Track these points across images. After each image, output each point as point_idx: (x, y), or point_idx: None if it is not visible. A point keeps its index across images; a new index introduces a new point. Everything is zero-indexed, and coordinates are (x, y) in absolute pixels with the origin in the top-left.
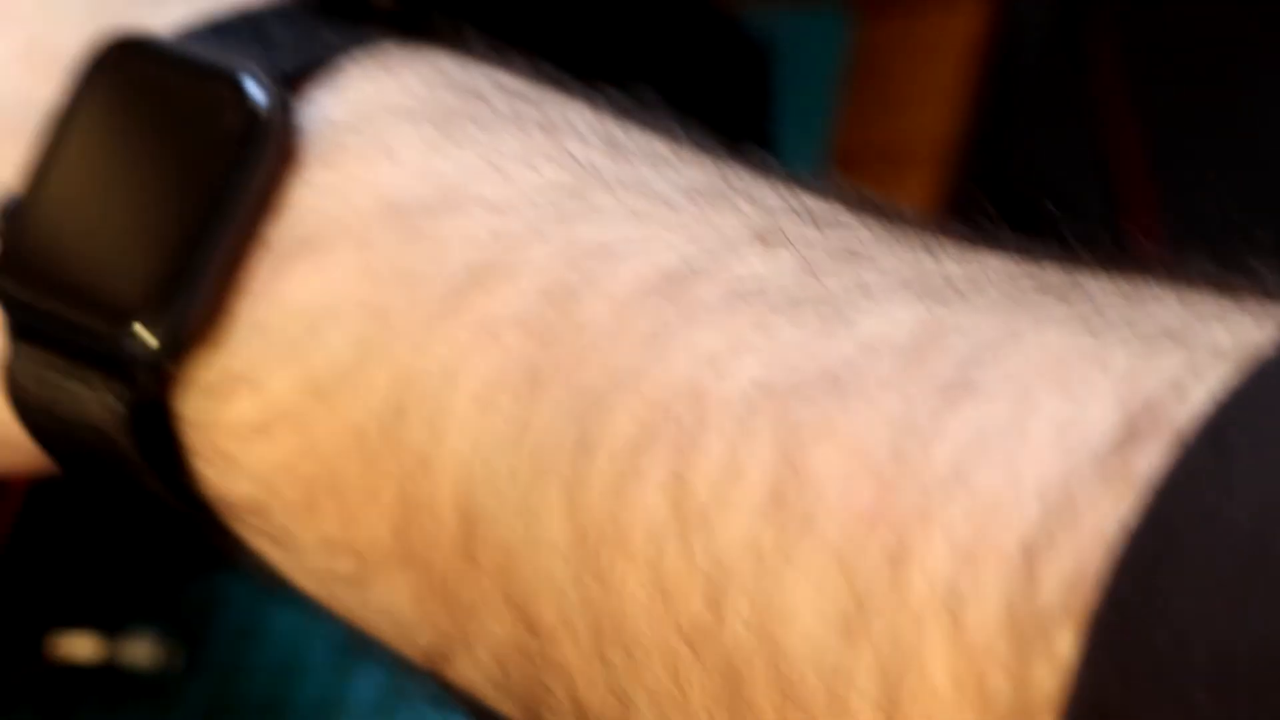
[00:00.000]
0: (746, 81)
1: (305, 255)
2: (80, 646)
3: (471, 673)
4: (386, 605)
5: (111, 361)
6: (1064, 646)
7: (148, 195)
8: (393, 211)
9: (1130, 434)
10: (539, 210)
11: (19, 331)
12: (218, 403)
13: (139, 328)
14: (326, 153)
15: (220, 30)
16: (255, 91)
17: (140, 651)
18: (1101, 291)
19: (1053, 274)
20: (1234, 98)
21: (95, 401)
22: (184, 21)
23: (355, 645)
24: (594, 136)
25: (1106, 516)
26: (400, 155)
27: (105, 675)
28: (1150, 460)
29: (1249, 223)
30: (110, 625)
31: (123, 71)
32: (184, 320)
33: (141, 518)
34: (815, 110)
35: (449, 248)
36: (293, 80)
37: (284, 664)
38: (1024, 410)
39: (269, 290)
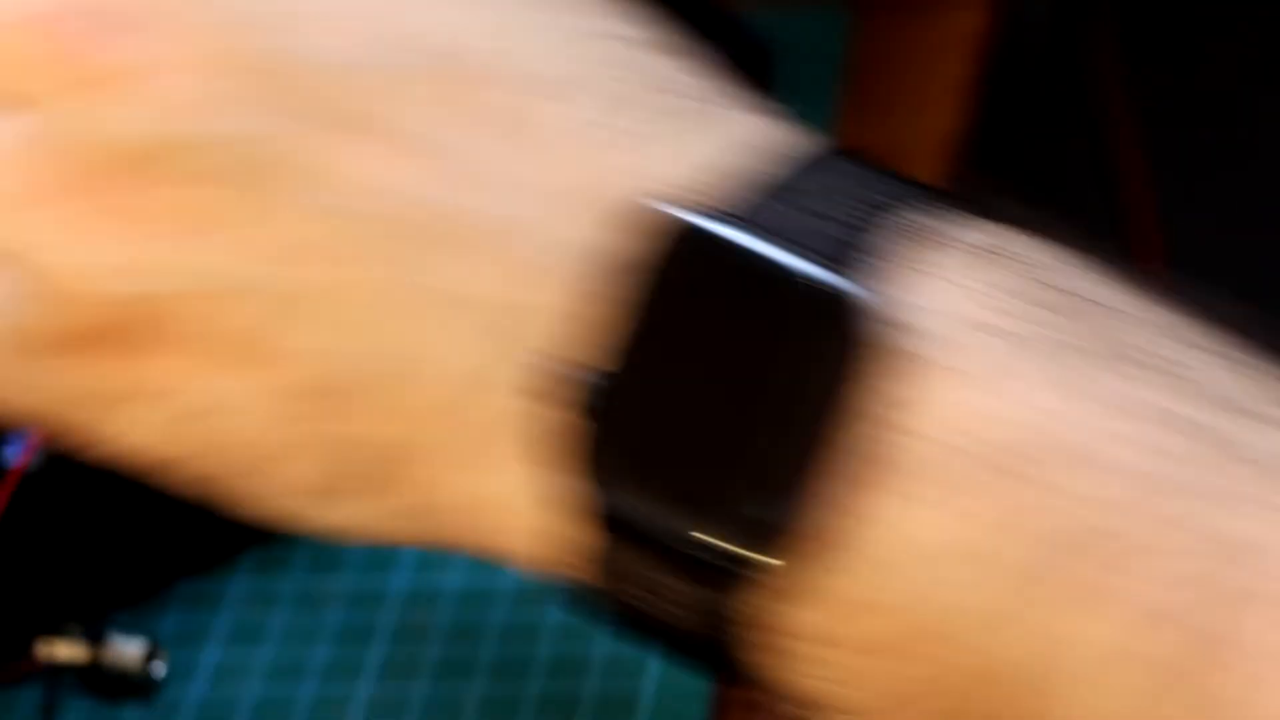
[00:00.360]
0: (747, 81)
1: (888, 480)
2: (67, 650)
3: None
4: None
5: (708, 563)
6: None
7: (739, 398)
8: (988, 448)
9: None
10: (1163, 480)
11: (600, 522)
12: (786, 606)
13: (747, 540)
14: (909, 369)
15: (770, 188)
16: (853, 305)
17: (128, 654)
18: None
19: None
20: (1234, 95)
21: (672, 589)
22: (705, 164)
23: None
24: (1212, 381)
25: None
26: (995, 384)
27: (92, 678)
28: None
29: (1249, 218)
30: (98, 628)
31: (689, 254)
32: (779, 535)
33: (131, 520)
34: (815, 110)
35: (1059, 504)
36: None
37: (277, 667)
38: None
39: (853, 510)
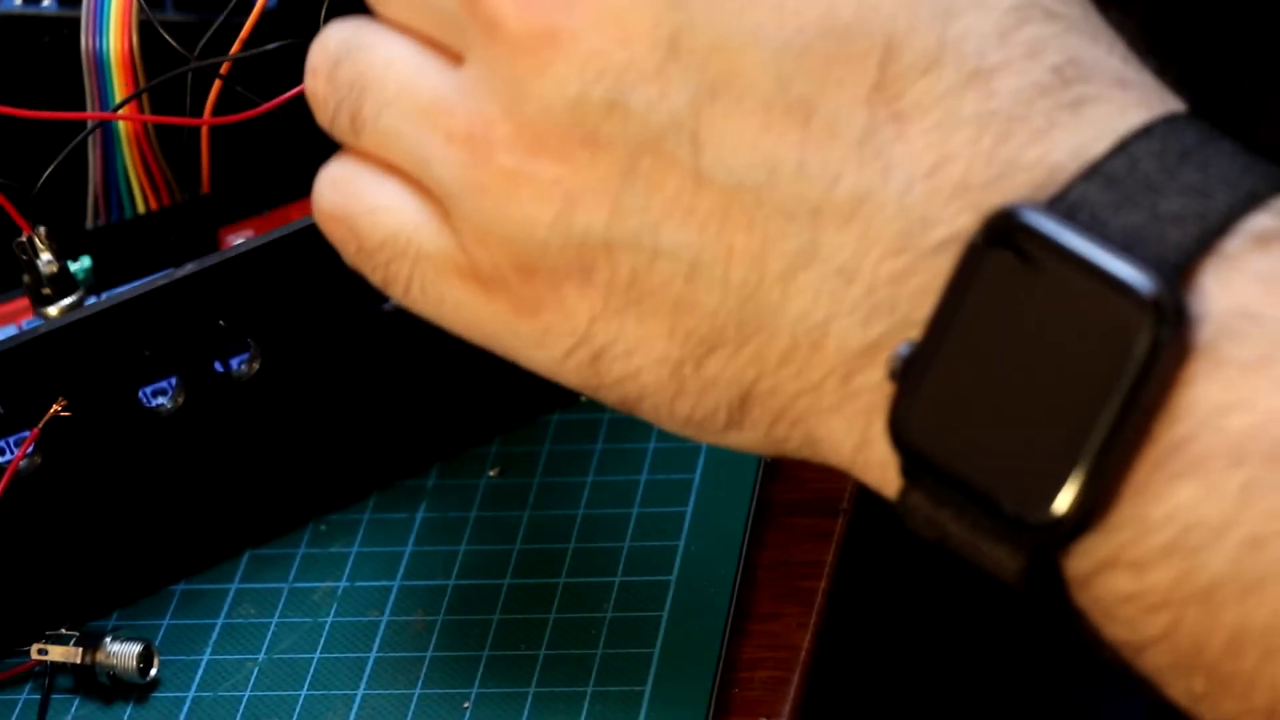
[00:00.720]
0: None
1: (1187, 464)
2: (63, 651)
3: None
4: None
5: (1007, 524)
6: None
7: (1046, 379)
8: (1273, 441)
9: None
10: None
11: (908, 470)
12: (1095, 569)
13: (1049, 510)
14: (1214, 362)
15: (1109, 181)
16: (1157, 308)
17: (123, 656)
18: None
19: None
20: (1234, 94)
21: (987, 549)
22: (1070, 154)
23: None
24: None
25: None
26: None
27: (88, 679)
28: None
29: None
30: (93, 629)
31: (1017, 249)
32: (1088, 506)
33: (128, 521)
34: None
35: None
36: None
37: (273, 668)
38: None
39: (1147, 488)
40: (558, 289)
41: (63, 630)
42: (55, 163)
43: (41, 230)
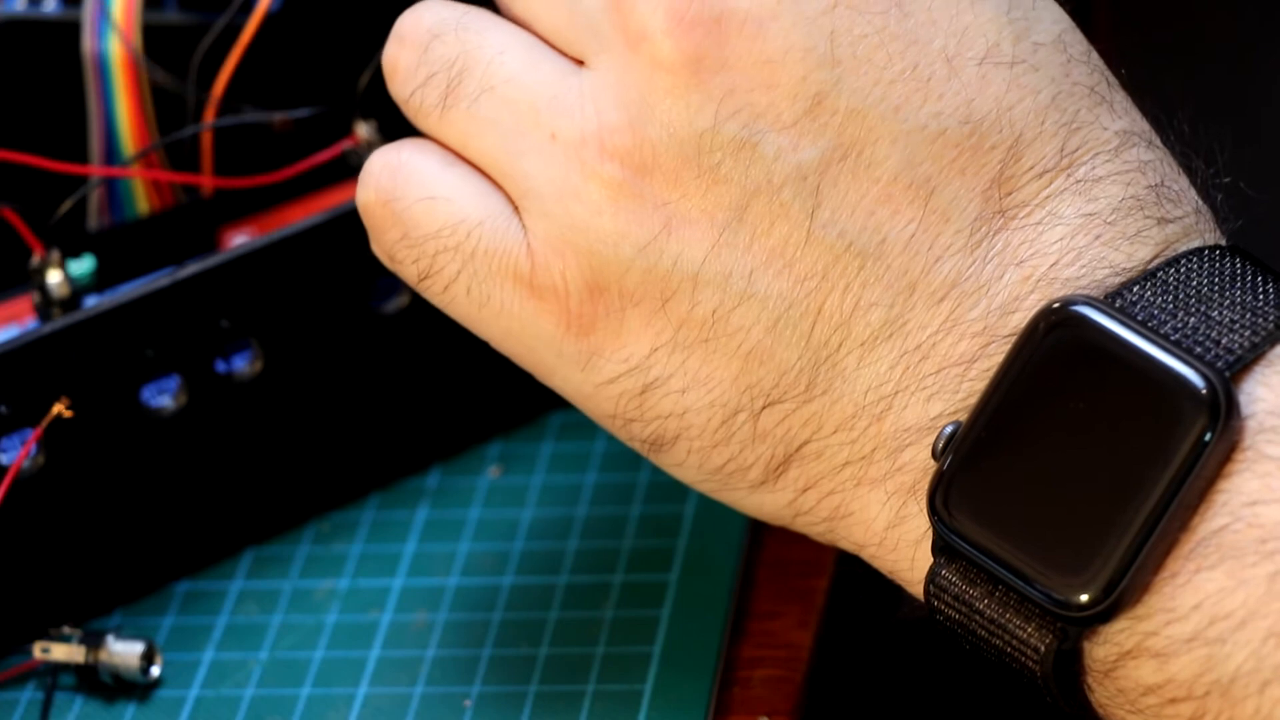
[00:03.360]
0: None
1: (1219, 555)
2: (65, 650)
3: None
4: None
5: (1039, 603)
6: None
7: (1089, 465)
8: None
9: None
10: None
11: (943, 548)
12: (1120, 657)
13: (1082, 593)
14: (1253, 458)
15: (1164, 286)
16: (1212, 403)
17: (125, 655)
18: None
19: None
20: (1232, 91)
21: (1015, 627)
22: (1115, 244)
23: None
24: None
25: None
26: None
27: (90, 679)
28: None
29: (1247, 212)
30: (94, 629)
31: (1072, 337)
32: (1121, 592)
33: (129, 520)
34: None
35: None
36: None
37: (275, 668)
38: None
39: (1177, 577)
40: (621, 312)
41: (65, 629)
42: (72, 200)
43: (55, 254)
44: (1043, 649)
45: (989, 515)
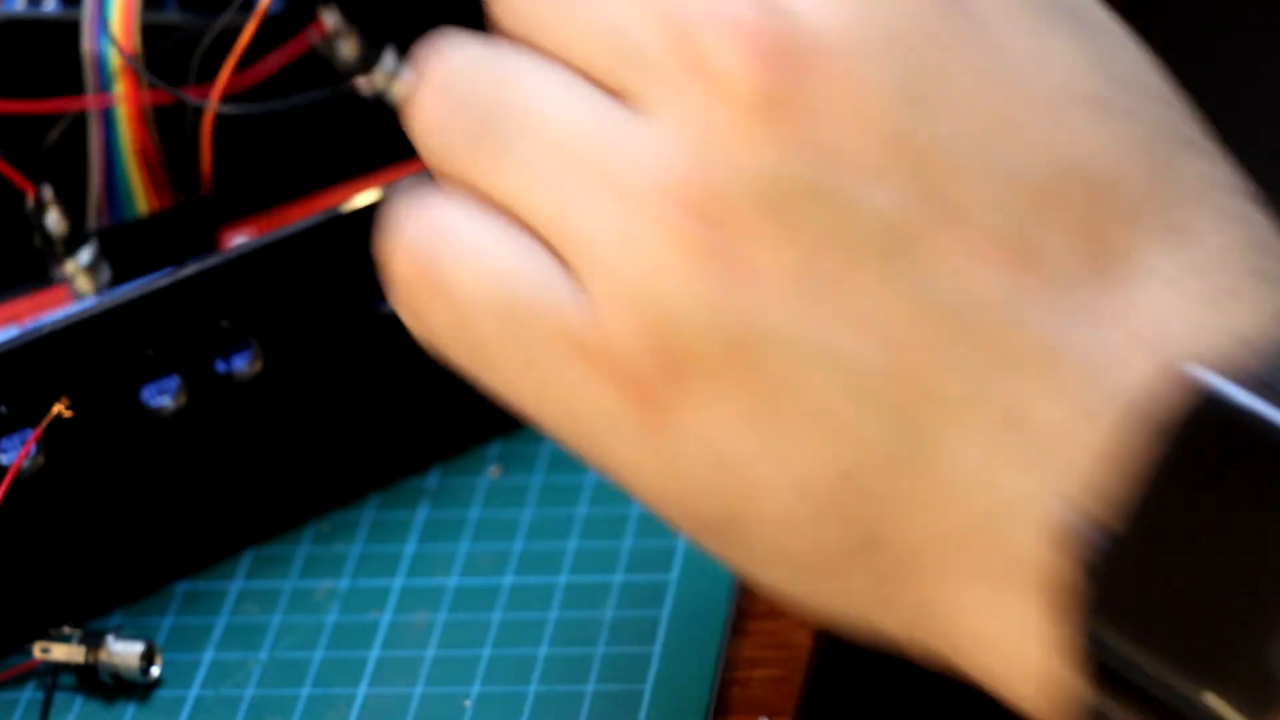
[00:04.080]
0: None
1: None
2: (64, 650)
3: None
4: None
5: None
6: None
7: (1241, 569)
8: None
9: None
10: None
11: (1096, 675)
12: None
13: (1245, 714)
14: None
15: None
16: None
17: (125, 655)
18: None
19: None
20: (1231, 92)
21: None
22: (1252, 323)
23: None
24: None
25: None
26: None
27: (89, 679)
28: None
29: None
30: (94, 629)
31: (1213, 421)
32: (1269, 703)
33: (129, 520)
34: None
35: None
36: None
37: (276, 668)
38: None
39: None
40: (693, 381)
41: (65, 629)
42: (60, 128)
43: (47, 190)
44: None
45: (1145, 634)
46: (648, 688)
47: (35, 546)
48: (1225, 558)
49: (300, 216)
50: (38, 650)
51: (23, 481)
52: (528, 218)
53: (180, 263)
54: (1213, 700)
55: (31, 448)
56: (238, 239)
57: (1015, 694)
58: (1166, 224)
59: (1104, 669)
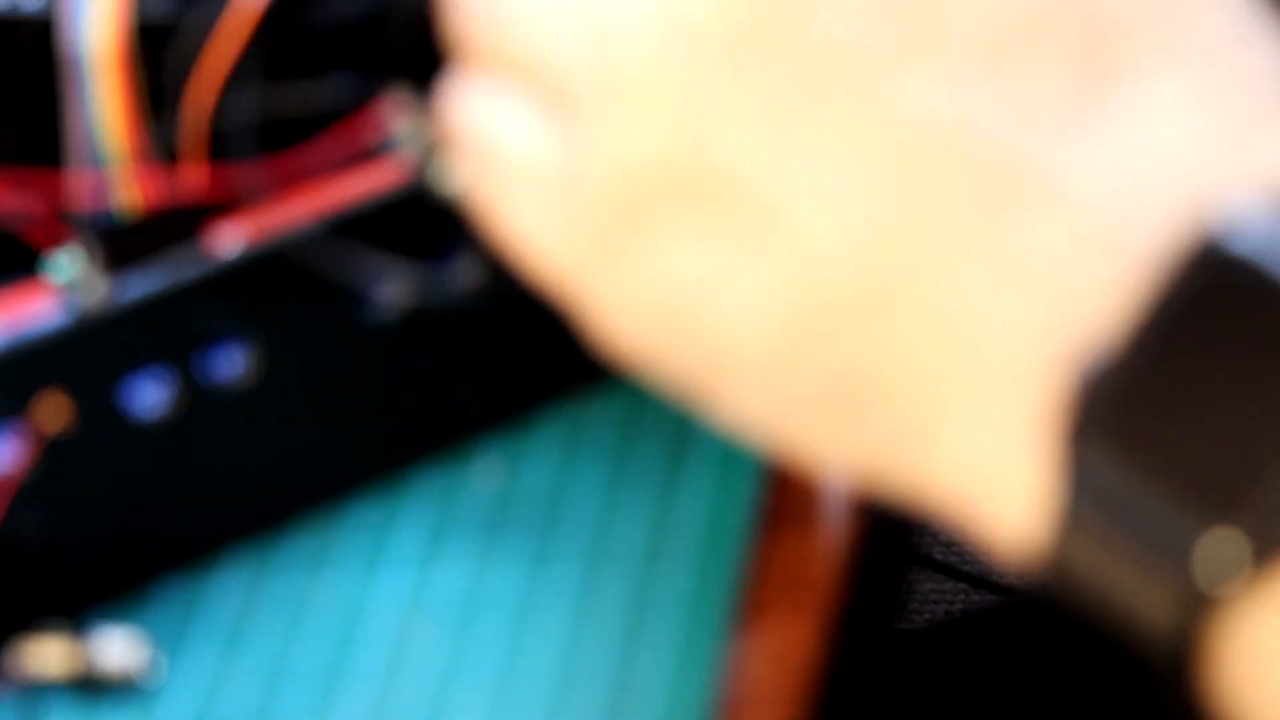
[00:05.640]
0: None
1: None
2: (52, 653)
3: None
4: None
5: (1180, 560)
6: None
7: (1233, 406)
8: None
9: None
10: None
11: (1086, 507)
12: (1255, 629)
13: (1229, 537)
14: None
15: None
16: None
17: (115, 657)
18: None
19: None
20: None
21: (1148, 592)
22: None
23: None
24: None
25: None
26: None
27: (79, 681)
28: None
29: None
30: (85, 629)
31: (1227, 264)
32: (1270, 545)
33: (119, 515)
34: None
35: None
36: None
37: (269, 670)
38: None
39: None
40: (664, 210)
41: (60, 628)
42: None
43: None
44: (1194, 618)
45: (1142, 456)
46: (648, 687)
47: (30, 546)
48: (1229, 393)
49: (296, 209)
50: (32, 650)
51: (14, 484)
52: (525, 76)
53: (176, 263)
54: (1217, 534)
55: (23, 451)
56: (229, 232)
57: (996, 531)
58: (1172, 45)
59: (1096, 500)
